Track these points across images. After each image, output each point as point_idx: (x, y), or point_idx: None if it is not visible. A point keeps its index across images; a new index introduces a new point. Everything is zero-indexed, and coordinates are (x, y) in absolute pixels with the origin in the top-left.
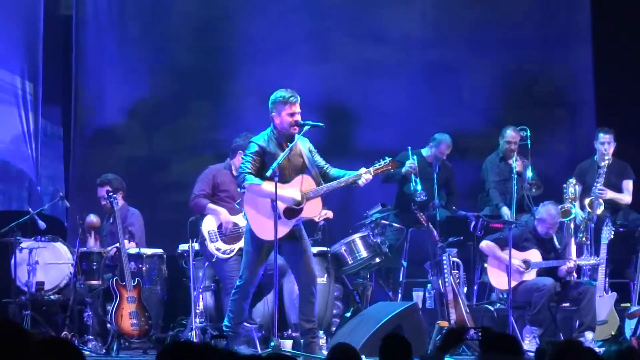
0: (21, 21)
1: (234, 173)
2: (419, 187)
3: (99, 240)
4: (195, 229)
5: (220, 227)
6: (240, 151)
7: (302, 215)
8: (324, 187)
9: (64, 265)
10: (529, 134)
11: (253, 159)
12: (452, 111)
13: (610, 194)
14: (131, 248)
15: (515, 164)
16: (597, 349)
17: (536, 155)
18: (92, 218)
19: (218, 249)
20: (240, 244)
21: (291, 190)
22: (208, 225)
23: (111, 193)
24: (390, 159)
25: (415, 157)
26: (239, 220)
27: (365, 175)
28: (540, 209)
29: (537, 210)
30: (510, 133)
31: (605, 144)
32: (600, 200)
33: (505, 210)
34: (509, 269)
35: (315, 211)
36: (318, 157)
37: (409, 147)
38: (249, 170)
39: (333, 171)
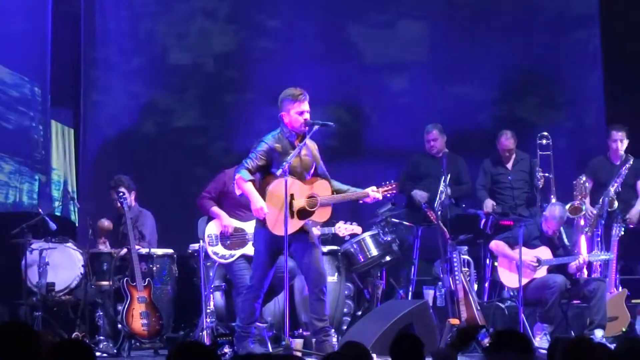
0: (29, 22)
1: None
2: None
3: (109, 243)
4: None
5: (221, 232)
6: None
7: (312, 218)
8: (337, 197)
9: (74, 266)
10: (550, 142)
11: (257, 157)
12: (460, 110)
13: (635, 217)
14: (141, 249)
15: (539, 177)
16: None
17: (544, 152)
18: (104, 222)
19: (215, 253)
20: (243, 250)
21: (301, 190)
22: (209, 229)
23: (122, 193)
24: (396, 182)
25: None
26: (246, 226)
27: (374, 193)
28: (547, 208)
29: (545, 208)
30: (501, 140)
31: (618, 142)
32: (614, 199)
33: (487, 202)
34: (519, 266)
35: (324, 217)
36: (322, 164)
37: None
38: (247, 166)
39: (335, 183)
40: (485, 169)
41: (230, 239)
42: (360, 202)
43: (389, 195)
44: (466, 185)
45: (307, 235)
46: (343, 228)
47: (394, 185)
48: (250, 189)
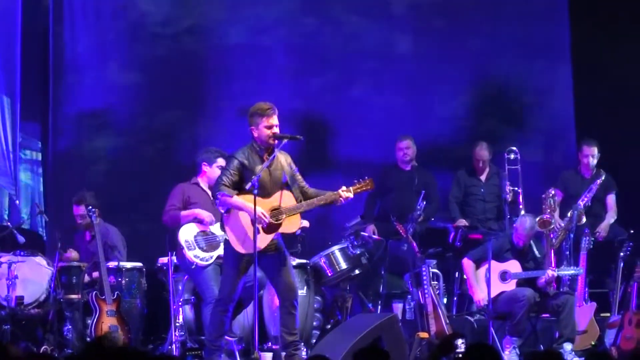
0: None
1: (202, 187)
2: None
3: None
4: (173, 242)
5: (200, 229)
6: (204, 163)
7: (281, 230)
8: (303, 204)
9: (43, 279)
10: (518, 156)
11: (230, 173)
12: (428, 122)
13: (604, 231)
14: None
15: (507, 190)
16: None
17: (512, 166)
18: (72, 253)
19: (196, 257)
20: (218, 251)
21: (264, 205)
22: (185, 234)
23: (90, 207)
24: (370, 178)
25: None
26: (216, 229)
27: (345, 194)
28: (518, 220)
29: (516, 220)
30: (476, 151)
31: (589, 157)
32: (583, 213)
33: (460, 223)
34: (488, 279)
35: (294, 227)
36: (297, 175)
37: None
38: (224, 182)
39: (311, 191)
40: (459, 180)
41: (204, 242)
42: (337, 204)
43: (363, 192)
44: (434, 204)
45: (278, 250)
46: None
47: (367, 182)
48: (237, 201)
